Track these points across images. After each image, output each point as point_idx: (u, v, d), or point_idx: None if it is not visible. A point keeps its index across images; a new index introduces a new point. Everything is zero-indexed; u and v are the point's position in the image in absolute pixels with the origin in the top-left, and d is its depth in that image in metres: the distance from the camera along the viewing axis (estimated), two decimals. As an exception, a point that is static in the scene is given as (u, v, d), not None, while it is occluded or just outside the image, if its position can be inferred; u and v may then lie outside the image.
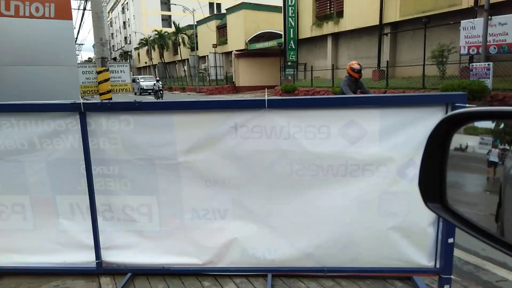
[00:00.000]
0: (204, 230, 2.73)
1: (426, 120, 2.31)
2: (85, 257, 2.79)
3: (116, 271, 2.88)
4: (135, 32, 54.40)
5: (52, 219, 2.82)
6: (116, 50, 73.96)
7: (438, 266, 2.54)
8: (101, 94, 10.92)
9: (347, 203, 2.51)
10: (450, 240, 2.42)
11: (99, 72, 11.76)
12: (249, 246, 2.71)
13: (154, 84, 25.38)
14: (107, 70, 11.87)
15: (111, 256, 2.83)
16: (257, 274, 2.80)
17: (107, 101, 2.61)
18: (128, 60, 57.72)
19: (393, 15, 19.10)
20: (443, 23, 16.22)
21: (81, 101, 2.50)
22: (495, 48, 13.22)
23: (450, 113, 0.65)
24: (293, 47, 25.75)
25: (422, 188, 0.69)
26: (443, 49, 15.27)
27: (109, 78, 11.83)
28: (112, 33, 78.53)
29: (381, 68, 19.27)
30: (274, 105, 2.44)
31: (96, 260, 2.80)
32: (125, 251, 2.82)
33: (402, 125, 2.36)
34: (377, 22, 19.73)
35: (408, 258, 2.55)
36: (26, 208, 2.81)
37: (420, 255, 2.54)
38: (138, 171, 2.66)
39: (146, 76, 40.43)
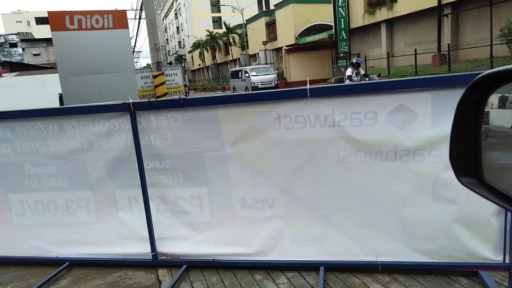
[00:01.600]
0: (254, 219, 2.77)
1: None
2: (142, 249, 2.95)
3: (171, 263, 3.00)
4: (188, 36, 56.32)
5: (113, 213, 3.03)
6: (172, 55, 77.14)
7: (507, 261, 2.34)
8: (158, 97, 11.45)
9: (397, 188, 2.43)
10: (520, 232, 2.20)
11: (155, 76, 12.36)
12: (299, 234, 2.71)
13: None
14: (162, 73, 12.43)
15: (165, 247, 2.97)
16: (309, 268, 2.76)
17: (154, 99, 2.77)
18: (182, 64, 59.80)
19: (453, -7, 17.74)
20: (512, -3, 14.73)
21: (131, 101, 2.64)
22: None
23: (481, 74, 0.57)
24: (345, 37, 24.96)
25: (454, 162, 0.62)
26: (514, 25, 13.89)
27: (164, 82, 12.37)
28: (167, 39, 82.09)
29: (442, 52, 18.00)
30: (316, 93, 2.42)
31: (151, 252, 2.95)
32: (178, 242, 2.94)
33: None
34: (435, 3, 18.44)
35: (470, 251, 2.37)
36: (90, 203, 3.05)
37: (485, 248, 2.35)
38: (189, 163, 2.78)
39: (258, 66, 26.10)
